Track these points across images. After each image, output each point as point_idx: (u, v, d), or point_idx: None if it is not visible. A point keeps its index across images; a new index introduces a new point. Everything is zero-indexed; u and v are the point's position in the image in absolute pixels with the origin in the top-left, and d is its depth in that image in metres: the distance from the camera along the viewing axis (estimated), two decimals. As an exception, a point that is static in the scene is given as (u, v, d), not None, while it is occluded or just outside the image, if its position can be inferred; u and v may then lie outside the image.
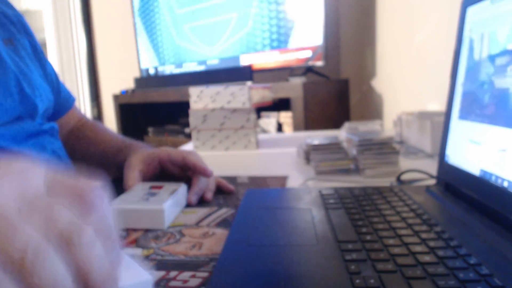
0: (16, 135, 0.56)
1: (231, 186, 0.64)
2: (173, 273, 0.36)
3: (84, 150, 0.74)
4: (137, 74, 2.70)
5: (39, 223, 0.19)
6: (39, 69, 0.67)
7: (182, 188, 0.55)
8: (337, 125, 1.61)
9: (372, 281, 0.30)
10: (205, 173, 0.59)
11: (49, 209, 0.20)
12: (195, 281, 0.34)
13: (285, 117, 1.84)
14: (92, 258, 0.20)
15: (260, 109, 1.88)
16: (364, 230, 0.40)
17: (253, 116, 1.06)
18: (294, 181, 0.69)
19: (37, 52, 0.68)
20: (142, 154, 0.62)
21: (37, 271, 0.18)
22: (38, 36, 0.70)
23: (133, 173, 0.59)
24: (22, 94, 0.59)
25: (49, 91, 0.67)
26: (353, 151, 0.75)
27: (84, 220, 0.21)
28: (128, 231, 0.47)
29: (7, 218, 0.19)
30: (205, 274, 0.36)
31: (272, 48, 1.99)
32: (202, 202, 0.58)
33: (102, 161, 0.71)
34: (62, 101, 0.73)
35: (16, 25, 0.66)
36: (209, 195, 0.59)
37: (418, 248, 0.35)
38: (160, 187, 0.54)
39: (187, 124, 2.06)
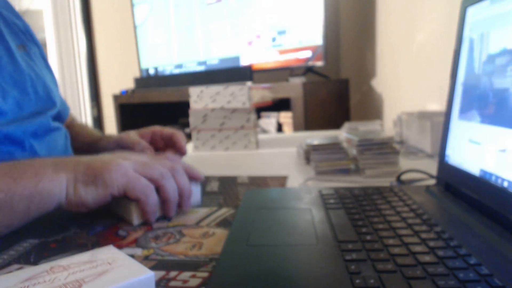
0: (36, 130, 0.61)
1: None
2: (173, 273, 0.36)
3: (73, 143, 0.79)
4: (137, 74, 2.70)
5: (161, 165, 0.50)
6: (50, 75, 0.71)
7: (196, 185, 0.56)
8: (337, 125, 1.62)
9: (372, 281, 0.30)
10: (182, 151, 0.71)
11: (162, 160, 0.52)
12: (195, 281, 0.34)
13: (285, 117, 1.85)
14: (183, 180, 0.51)
15: (260, 109, 1.88)
16: (364, 230, 0.40)
17: (253, 116, 1.06)
18: (294, 181, 0.69)
19: (46, 61, 0.73)
20: (135, 131, 0.73)
21: (165, 183, 0.49)
22: (38, 36, 0.72)
23: (133, 134, 0.71)
24: (37, 95, 0.63)
25: (59, 95, 0.71)
26: (353, 151, 0.75)
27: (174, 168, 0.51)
28: (128, 231, 0.47)
29: (147, 163, 0.50)
30: (205, 274, 0.36)
31: (272, 48, 1.99)
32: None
33: (85, 150, 0.77)
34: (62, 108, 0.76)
35: (25, 34, 0.69)
36: None
37: (418, 248, 0.35)
38: None
39: (187, 124, 2.06)
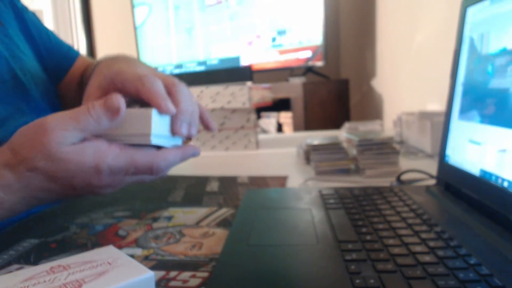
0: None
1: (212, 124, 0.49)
2: (173, 273, 0.36)
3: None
4: (137, 74, 2.70)
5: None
6: (28, 48, 0.63)
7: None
8: (337, 125, 1.62)
9: (372, 281, 0.30)
10: (161, 108, 0.39)
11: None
12: (195, 281, 0.34)
13: (285, 117, 1.85)
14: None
15: (260, 109, 1.88)
16: (364, 230, 0.40)
17: (253, 116, 1.06)
18: (294, 181, 0.69)
19: (25, 26, 0.63)
20: (99, 79, 0.45)
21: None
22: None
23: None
24: (15, 80, 0.56)
25: (41, 70, 0.62)
26: (353, 151, 0.75)
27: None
28: (128, 231, 0.47)
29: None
30: (205, 274, 0.36)
31: (272, 48, 1.99)
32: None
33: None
34: (58, 63, 0.68)
35: (2, 1, 0.61)
36: (190, 129, 0.44)
37: (418, 248, 0.35)
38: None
39: (187, 124, 2.06)
